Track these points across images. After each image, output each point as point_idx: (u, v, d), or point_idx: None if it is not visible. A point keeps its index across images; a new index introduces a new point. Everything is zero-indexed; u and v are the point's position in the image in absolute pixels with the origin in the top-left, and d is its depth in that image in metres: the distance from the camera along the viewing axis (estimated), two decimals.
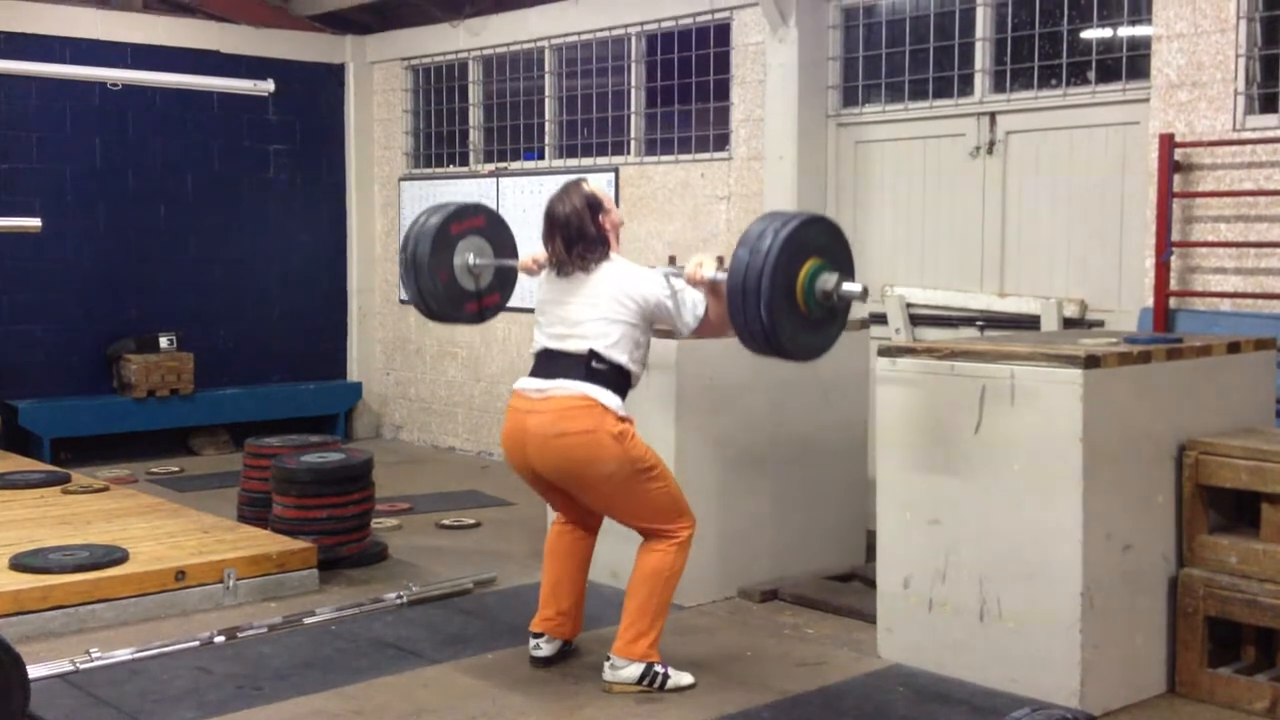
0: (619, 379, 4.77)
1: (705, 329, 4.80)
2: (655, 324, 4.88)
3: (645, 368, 4.97)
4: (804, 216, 4.45)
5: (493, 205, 10.07)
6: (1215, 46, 6.13)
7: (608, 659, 4.88)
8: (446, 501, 8.44)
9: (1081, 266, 6.92)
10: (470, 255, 5.35)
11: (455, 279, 5.33)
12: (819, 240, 4.45)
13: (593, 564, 5.22)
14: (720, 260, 4.80)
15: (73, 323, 9.92)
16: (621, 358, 4.75)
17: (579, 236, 4.79)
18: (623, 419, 4.72)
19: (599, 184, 4.96)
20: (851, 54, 7.95)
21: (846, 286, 4.44)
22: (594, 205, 4.82)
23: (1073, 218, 6.95)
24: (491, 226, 5.48)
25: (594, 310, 4.76)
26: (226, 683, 4.95)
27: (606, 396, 4.70)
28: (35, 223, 8.14)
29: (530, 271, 5.19)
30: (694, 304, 4.75)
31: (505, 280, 5.52)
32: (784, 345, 4.47)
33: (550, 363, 4.82)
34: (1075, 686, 4.62)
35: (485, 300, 5.47)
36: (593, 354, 4.73)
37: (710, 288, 4.69)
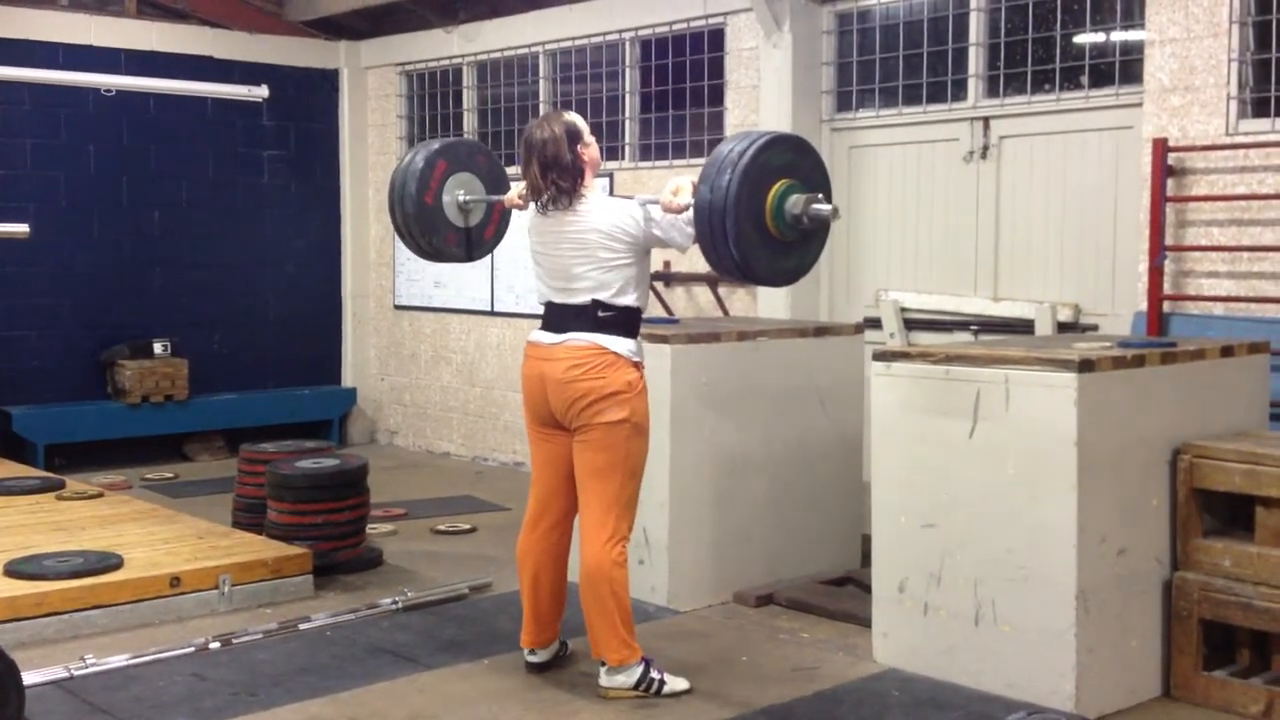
0: (628, 319, 4.80)
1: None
2: (650, 248, 4.86)
3: (648, 293, 4.96)
4: (762, 141, 4.34)
5: None
6: (1208, 51, 6.15)
7: (602, 664, 4.88)
8: (442, 507, 8.44)
9: (1075, 271, 6.94)
10: (459, 192, 5.36)
11: (443, 213, 5.33)
12: (782, 160, 4.37)
13: (574, 566, 5.15)
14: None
15: (67, 329, 9.91)
16: (626, 300, 4.78)
17: (554, 163, 4.75)
18: (636, 364, 4.77)
19: (578, 116, 4.93)
20: (845, 59, 7.96)
21: (815, 207, 4.37)
22: (573, 134, 4.79)
23: (1066, 222, 6.96)
24: (476, 157, 5.48)
25: (588, 259, 4.76)
26: (222, 689, 4.95)
27: (619, 343, 4.75)
28: (23, 228, 8.13)
29: (516, 206, 5.21)
30: (683, 224, 4.69)
31: (498, 214, 5.51)
32: (761, 276, 4.48)
33: (558, 316, 4.85)
34: (1070, 690, 4.62)
35: (476, 235, 5.47)
36: (597, 304, 4.75)
37: (690, 212, 4.61)
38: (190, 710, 4.73)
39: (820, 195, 4.43)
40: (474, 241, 5.49)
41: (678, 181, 4.69)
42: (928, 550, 5.01)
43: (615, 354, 4.74)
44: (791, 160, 4.43)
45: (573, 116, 4.87)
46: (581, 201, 4.80)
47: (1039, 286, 7.06)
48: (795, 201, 4.38)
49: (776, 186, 4.36)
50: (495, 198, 5.41)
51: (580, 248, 4.77)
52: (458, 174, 5.38)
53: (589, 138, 4.86)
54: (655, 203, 4.75)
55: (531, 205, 4.94)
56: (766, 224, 4.36)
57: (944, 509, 4.96)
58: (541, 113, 9.71)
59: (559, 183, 4.75)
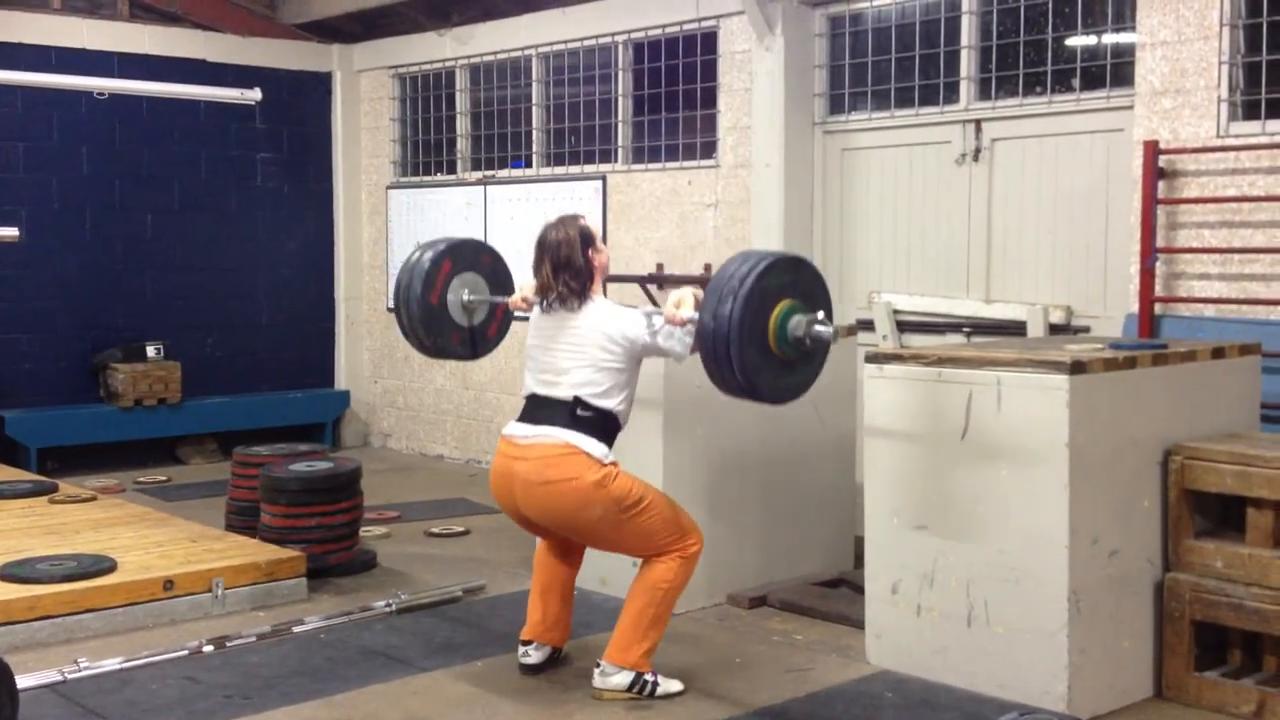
0: (605, 424, 4.79)
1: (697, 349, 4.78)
2: (646, 358, 4.90)
3: (632, 404, 4.95)
4: (761, 266, 4.37)
5: (480, 213, 10.10)
6: (1199, 53, 6.17)
7: (598, 665, 4.89)
8: (435, 509, 8.44)
9: (1067, 273, 6.95)
10: (464, 292, 5.43)
11: (447, 313, 5.39)
12: (782, 282, 4.41)
13: (582, 571, 5.25)
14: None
15: (59, 332, 9.89)
16: (609, 404, 4.78)
17: (566, 264, 4.81)
18: (606, 465, 4.72)
19: (594, 223, 4.99)
20: (838, 62, 7.98)
21: (817, 329, 4.42)
22: (586, 238, 4.87)
23: (1058, 224, 6.98)
24: (481, 257, 5.55)
25: (581, 357, 4.78)
26: (215, 692, 4.95)
27: (591, 444, 4.72)
28: (12, 232, 8.11)
29: (519, 308, 5.25)
30: (681, 335, 4.75)
31: (501, 318, 5.58)
32: (766, 396, 4.50)
33: (537, 408, 4.85)
34: (1062, 691, 4.64)
35: (479, 335, 5.54)
36: (578, 401, 4.75)
37: (692, 325, 4.67)
38: (184, 713, 4.73)
39: (821, 315, 4.47)
40: (478, 340, 5.56)
41: (680, 294, 4.72)
42: (920, 552, 5.02)
43: (586, 454, 4.70)
44: (791, 279, 4.46)
45: (587, 222, 4.95)
46: (588, 303, 4.84)
47: (1031, 288, 7.08)
48: (797, 324, 4.41)
49: (778, 309, 4.39)
50: (500, 299, 5.48)
51: (576, 347, 4.80)
52: (463, 274, 5.44)
53: (601, 244, 4.94)
54: (658, 314, 4.79)
55: (535, 305, 4.98)
56: (770, 346, 4.39)
57: (936, 510, 4.97)
58: (531, 120, 9.74)
59: (570, 284, 4.81)
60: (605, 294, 5.05)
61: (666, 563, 4.82)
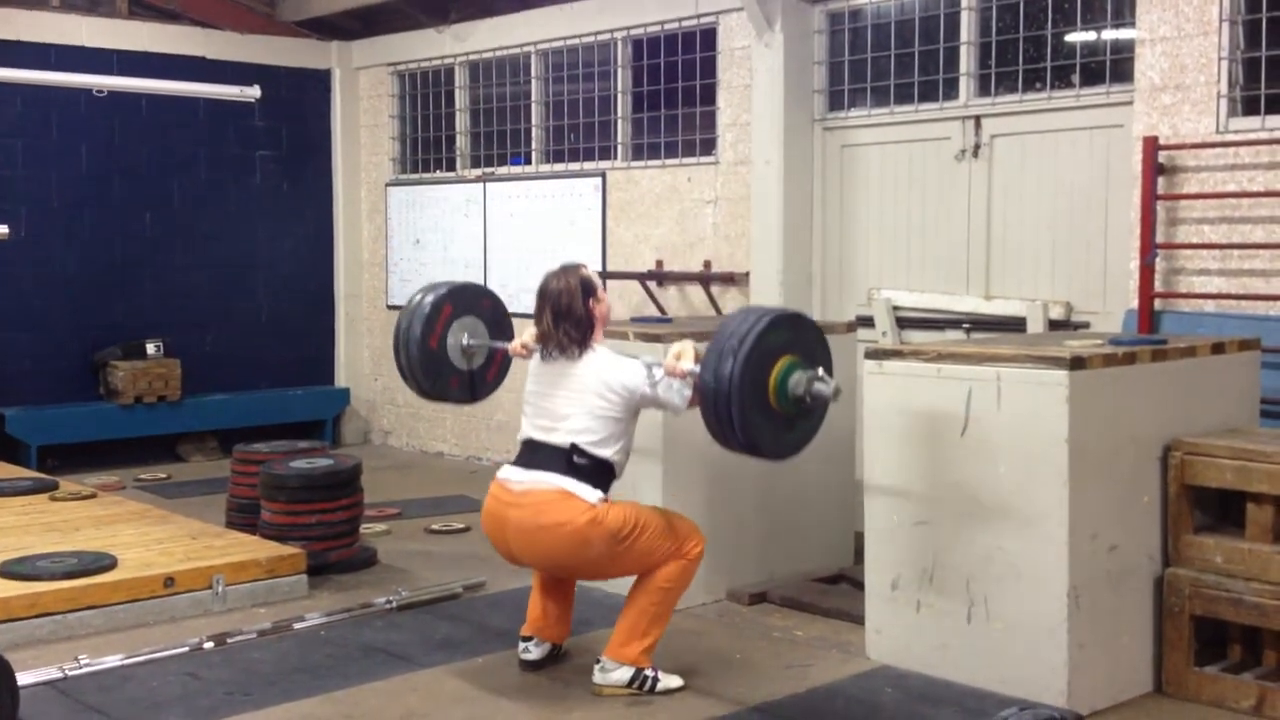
0: (601, 471, 4.79)
1: (697, 403, 4.73)
2: (643, 409, 4.91)
3: (629, 454, 4.97)
4: (761, 326, 4.39)
5: (479, 210, 10.10)
6: (1198, 49, 6.17)
7: (598, 661, 4.89)
8: (435, 506, 8.44)
9: (1067, 269, 6.96)
10: (464, 336, 5.45)
11: (447, 357, 5.42)
12: (783, 339, 4.43)
13: None
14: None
15: (59, 329, 9.89)
16: (605, 452, 4.79)
17: (567, 314, 4.82)
18: (594, 505, 4.71)
19: (594, 273, 5.01)
20: (837, 58, 7.98)
21: (817, 387, 4.45)
22: (587, 288, 4.88)
23: (1058, 220, 6.98)
24: (481, 302, 5.58)
25: (579, 404, 4.79)
26: (216, 689, 4.95)
27: (583, 489, 4.72)
28: (3, 230, 8.10)
29: (520, 355, 5.26)
30: (679, 387, 4.76)
31: (500, 358, 5.61)
32: (767, 453, 4.54)
33: (532, 453, 4.86)
34: (1062, 686, 4.64)
35: (478, 379, 5.57)
36: (575, 448, 4.76)
37: (691, 378, 4.68)
38: (184, 710, 4.73)
39: (821, 372, 4.50)
40: (476, 384, 5.59)
41: (680, 346, 4.74)
42: (920, 547, 5.02)
43: (580, 498, 4.71)
44: (791, 337, 4.48)
45: (588, 272, 4.95)
46: (588, 353, 4.85)
47: (1031, 284, 7.08)
48: (798, 381, 4.44)
49: (778, 366, 4.42)
50: (499, 344, 5.50)
51: (575, 394, 4.81)
52: (462, 318, 5.47)
53: (602, 294, 4.95)
54: (658, 365, 4.79)
55: (535, 352, 4.99)
56: (770, 403, 4.42)
57: (936, 506, 4.97)
58: (531, 117, 9.74)
59: (570, 333, 4.82)
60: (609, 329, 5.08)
61: (670, 564, 4.83)
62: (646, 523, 4.80)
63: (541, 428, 4.86)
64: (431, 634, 5.64)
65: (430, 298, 5.38)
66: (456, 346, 5.45)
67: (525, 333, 5.13)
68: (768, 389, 4.40)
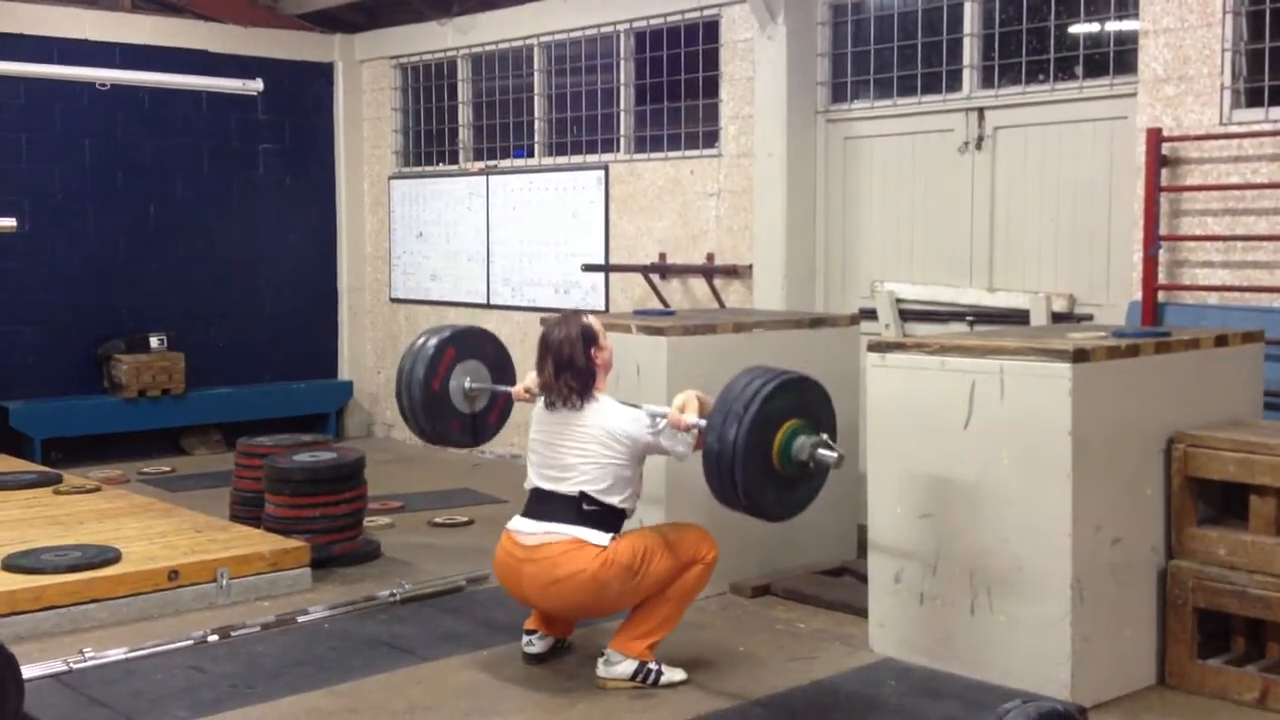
0: (611, 517, 4.81)
1: (700, 447, 4.73)
2: (649, 455, 4.93)
3: (639, 499, 4.99)
4: (767, 390, 4.38)
5: (482, 203, 10.09)
6: (1202, 41, 6.15)
7: (602, 654, 4.90)
8: (438, 499, 8.45)
9: (1070, 261, 6.95)
10: (466, 380, 5.49)
11: (449, 399, 5.45)
12: (789, 403, 4.44)
13: None
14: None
15: (63, 323, 9.90)
16: (613, 499, 4.81)
17: (569, 364, 4.83)
18: (604, 547, 4.72)
19: (596, 320, 5.01)
20: (840, 50, 7.97)
21: (821, 453, 4.46)
22: (588, 337, 4.88)
23: (1061, 212, 6.97)
24: (484, 346, 5.61)
25: (585, 455, 4.80)
26: (220, 682, 4.96)
27: (596, 536, 4.74)
28: (10, 222, 8.10)
29: (523, 399, 5.29)
30: (683, 436, 4.79)
31: (502, 402, 5.65)
32: (770, 514, 4.56)
33: (542, 503, 4.87)
34: (1066, 679, 4.64)
35: (480, 422, 5.61)
36: (584, 496, 4.77)
37: (695, 431, 4.70)
38: (189, 703, 4.74)
39: (825, 438, 4.49)
40: (479, 427, 5.63)
41: (683, 398, 4.75)
42: (923, 540, 5.03)
43: (591, 544, 4.72)
44: (796, 400, 4.49)
45: (590, 320, 4.95)
46: (591, 402, 4.86)
47: (1034, 277, 7.07)
48: (801, 446, 4.44)
49: (783, 430, 4.42)
50: (503, 388, 5.53)
51: (580, 444, 4.82)
52: (465, 361, 5.50)
53: (604, 341, 4.95)
54: (662, 414, 4.80)
55: (538, 398, 5.00)
56: (774, 467, 4.44)
57: (939, 499, 4.97)
58: (533, 109, 9.73)
59: (571, 384, 4.83)
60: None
61: (687, 572, 4.86)
62: (655, 547, 4.81)
63: (549, 478, 4.88)
64: (435, 627, 5.65)
65: (434, 340, 5.44)
66: (459, 390, 5.51)
67: (528, 376, 5.17)
68: (772, 453, 4.42)
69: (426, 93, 10.76)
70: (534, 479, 4.94)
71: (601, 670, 4.88)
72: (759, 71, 8.01)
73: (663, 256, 8.74)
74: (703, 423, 4.57)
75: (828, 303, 7.98)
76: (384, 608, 5.92)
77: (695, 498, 5.90)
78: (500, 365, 5.61)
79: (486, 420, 5.64)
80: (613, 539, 4.76)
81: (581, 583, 4.71)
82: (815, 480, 4.63)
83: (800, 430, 4.46)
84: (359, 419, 11.31)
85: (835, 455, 4.47)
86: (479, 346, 5.59)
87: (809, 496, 4.67)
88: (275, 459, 6.69)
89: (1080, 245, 6.90)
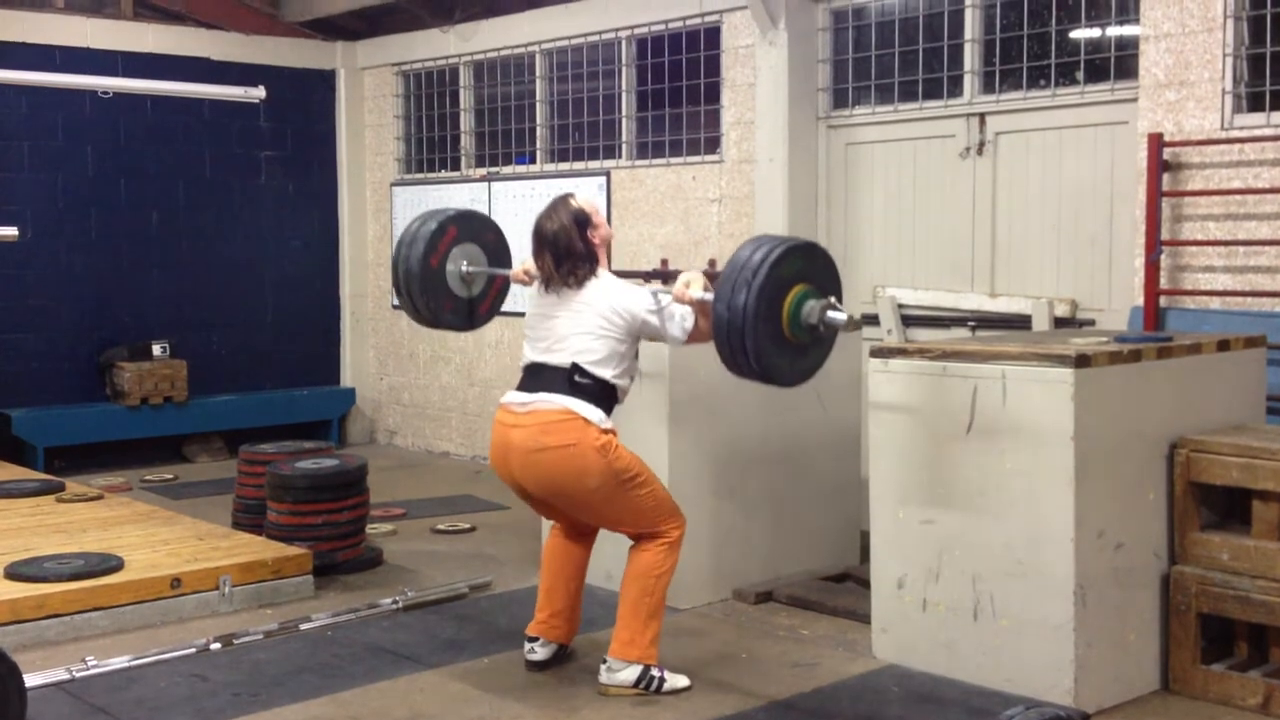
0: (603, 393, 4.78)
1: (696, 338, 4.79)
2: (643, 338, 4.90)
3: (634, 380, 4.97)
4: (774, 256, 4.36)
5: (485, 210, 10.09)
6: (1202, 46, 6.16)
7: (604, 662, 4.89)
8: (441, 506, 8.45)
9: (1072, 266, 6.95)
10: (463, 262, 5.38)
11: (445, 280, 5.35)
12: (794, 269, 4.41)
13: (590, 567, 5.24)
14: (711, 267, 4.80)
15: (65, 331, 9.91)
16: (605, 373, 4.77)
17: (567, 253, 4.81)
18: (605, 431, 4.73)
19: (588, 197, 4.96)
20: (841, 56, 7.97)
21: (831, 315, 4.42)
22: (582, 221, 4.84)
23: (1063, 218, 6.97)
24: (485, 233, 5.51)
25: (580, 325, 4.78)
26: (223, 690, 4.96)
27: (589, 410, 4.71)
28: (12, 231, 8.12)
29: (522, 281, 5.23)
30: (681, 317, 4.75)
31: (498, 287, 5.55)
32: (779, 380, 4.52)
33: (535, 376, 4.85)
34: (1069, 685, 4.63)
35: (474, 307, 5.50)
36: (576, 368, 4.75)
37: (699, 306, 4.69)
38: (192, 711, 4.74)
39: (834, 300, 4.47)
40: (473, 313, 5.52)
41: (689, 276, 4.73)
42: (926, 546, 5.02)
43: (584, 419, 4.70)
44: (803, 266, 4.45)
45: (580, 202, 4.91)
46: (592, 279, 4.84)
47: (1036, 282, 7.07)
48: (811, 310, 4.41)
49: (791, 295, 4.39)
50: (501, 270, 5.44)
51: (576, 315, 4.80)
52: (465, 244, 5.40)
53: (598, 218, 4.91)
54: (665, 293, 4.79)
55: (537, 280, 4.98)
56: (784, 333, 4.40)
57: (942, 505, 4.97)
58: (535, 116, 9.74)
59: (574, 271, 4.81)
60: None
61: (653, 550, 4.83)
62: (648, 479, 4.82)
63: (542, 349, 4.85)
64: (438, 634, 5.64)
65: (436, 219, 5.31)
66: (456, 274, 5.36)
67: (527, 259, 5.07)
68: (781, 319, 4.37)
69: (428, 99, 10.77)
70: (528, 353, 4.91)
71: (604, 677, 4.87)
72: (760, 77, 8.01)
73: (665, 263, 8.70)
74: (709, 296, 4.52)
75: None
76: (386, 615, 5.91)
77: (696, 498, 5.91)
78: (499, 256, 5.47)
79: (480, 307, 5.51)
80: (611, 429, 4.73)
81: (568, 455, 4.67)
82: (825, 346, 4.58)
83: (809, 295, 4.41)
84: (361, 426, 11.31)
85: (845, 316, 4.43)
86: (481, 232, 5.46)
87: (818, 362, 4.61)
88: (278, 466, 6.69)
89: (1082, 250, 6.90)
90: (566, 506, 4.92)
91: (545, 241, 4.84)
